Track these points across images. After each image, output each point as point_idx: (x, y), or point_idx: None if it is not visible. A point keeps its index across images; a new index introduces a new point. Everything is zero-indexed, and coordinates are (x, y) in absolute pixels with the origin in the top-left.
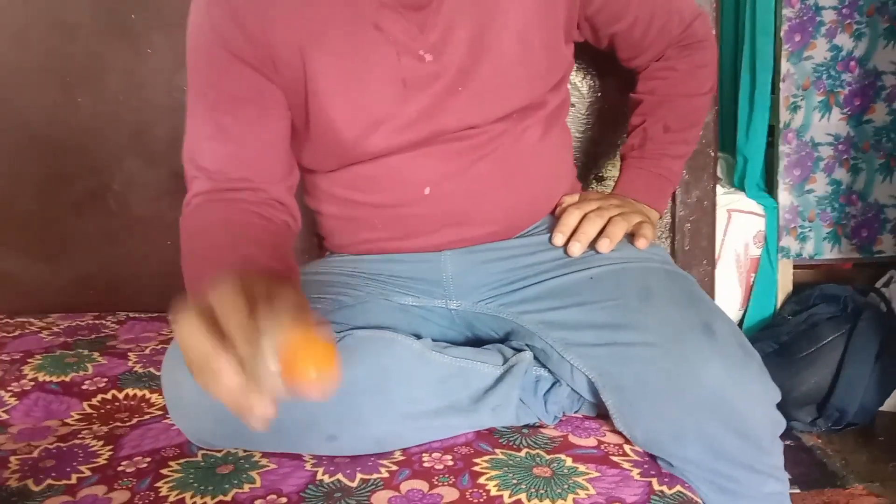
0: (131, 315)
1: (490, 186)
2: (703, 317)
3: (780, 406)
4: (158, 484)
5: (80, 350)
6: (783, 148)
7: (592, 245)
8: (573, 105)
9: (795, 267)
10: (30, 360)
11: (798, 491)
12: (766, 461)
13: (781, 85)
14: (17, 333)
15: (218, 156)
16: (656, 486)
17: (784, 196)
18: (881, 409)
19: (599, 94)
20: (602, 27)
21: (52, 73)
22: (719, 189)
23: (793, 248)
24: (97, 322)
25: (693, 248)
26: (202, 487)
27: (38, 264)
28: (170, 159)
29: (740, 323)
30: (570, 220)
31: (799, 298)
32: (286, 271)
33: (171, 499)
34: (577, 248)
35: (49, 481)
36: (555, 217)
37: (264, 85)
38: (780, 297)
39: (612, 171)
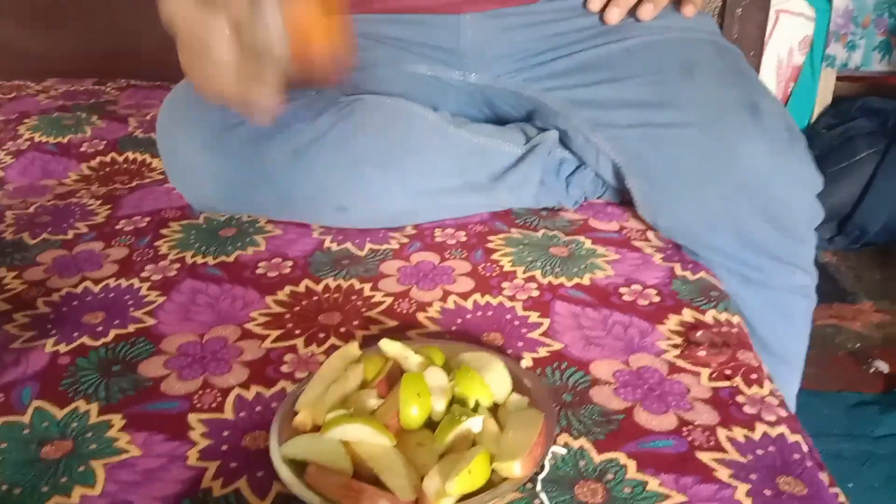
0: (131, 82)
1: None
2: (749, 95)
3: None
4: (158, 243)
5: (79, 113)
6: None
7: (633, 11)
8: None
9: (838, 79)
10: (26, 121)
11: None
12: (797, 252)
13: None
14: (12, 95)
15: None
16: (678, 271)
17: None
18: None
19: None
20: None
21: None
22: None
23: (839, 57)
24: (97, 88)
25: (742, 37)
26: (203, 248)
27: (36, 32)
28: None
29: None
30: None
31: (837, 111)
32: None
33: (171, 257)
34: (615, 15)
35: (45, 235)
36: None
37: None
38: (818, 109)
39: None
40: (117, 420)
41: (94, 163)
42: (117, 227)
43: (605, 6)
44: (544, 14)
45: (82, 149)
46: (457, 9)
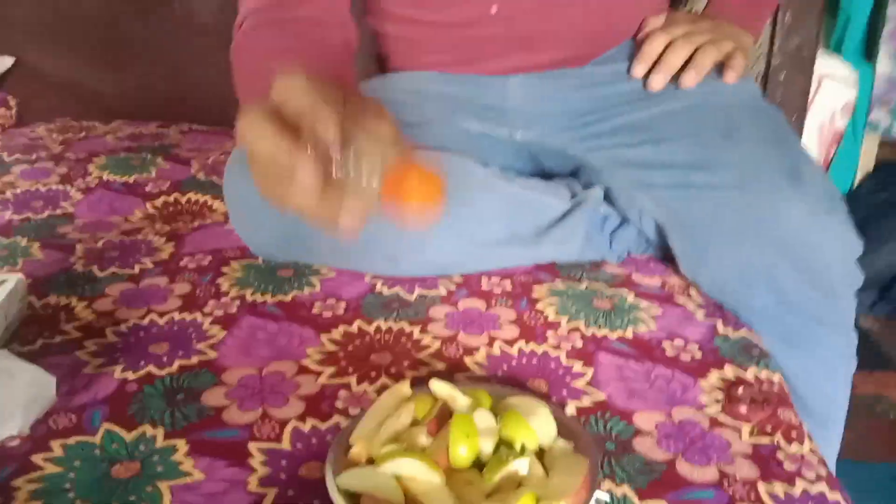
0: (194, 126)
1: (562, 3)
2: (790, 158)
3: None
4: (219, 280)
5: (144, 154)
6: (892, 9)
7: (677, 77)
8: None
9: (881, 145)
10: (94, 160)
11: None
12: (836, 314)
13: None
14: (82, 135)
15: None
16: (720, 328)
17: (884, 63)
18: None
19: None
20: None
21: None
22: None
23: (883, 123)
24: (160, 130)
25: (784, 102)
26: (262, 286)
27: (102, 71)
28: None
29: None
30: (653, 48)
31: (879, 177)
32: (349, 83)
33: (232, 294)
34: (659, 81)
35: (113, 269)
36: (636, 43)
37: None
38: (860, 175)
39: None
40: (182, 445)
41: (158, 202)
42: (181, 263)
43: (649, 72)
44: (588, 77)
45: (147, 188)
46: (506, 73)
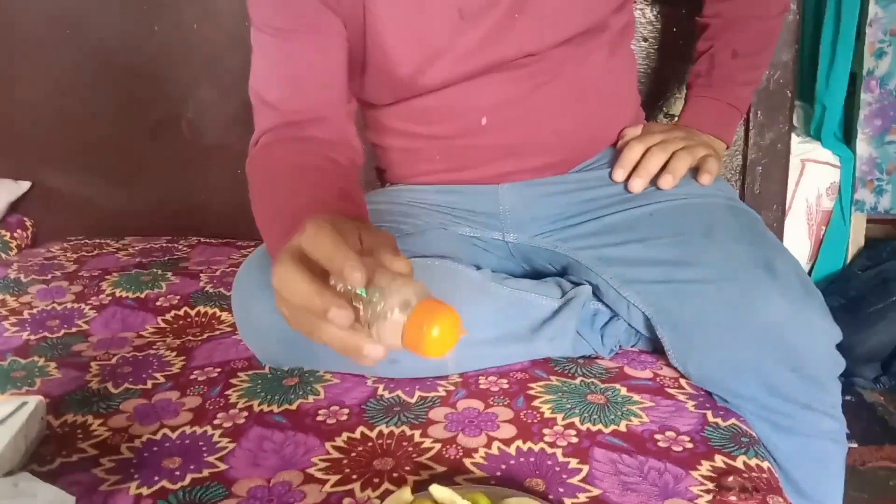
0: (202, 240)
1: (548, 115)
2: (766, 254)
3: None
4: (228, 392)
5: (155, 270)
6: (865, 96)
7: (654, 180)
8: (638, 31)
9: (869, 221)
10: (107, 277)
11: (856, 445)
12: (822, 400)
13: (867, 30)
14: (95, 253)
15: (282, 84)
16: (710, 418)
17: (862, 147)
18: None
19: (666, 18)
20: None
21: (130, 1)
22: (794, 138)
23: (868, 202)
24: (170, 245)
25: (763, 193)
26: (269, 396)
27: (114, 188)
28: (241, 89)
29: (808, 275)
30: (631, 155)
31: (870, 253)
32: (358, 212)
33: (240, 405)
34: (638, 185)
35: (126, 385)
36: (616, 150)
37: (325, 15)
38: (851, 252)
39: (679, 107)
40: None
41: (168, 316)
42: (191, 377)
43: (629, 177)
44: (573, 183)
45: (158, 303)
46: (496, 179)
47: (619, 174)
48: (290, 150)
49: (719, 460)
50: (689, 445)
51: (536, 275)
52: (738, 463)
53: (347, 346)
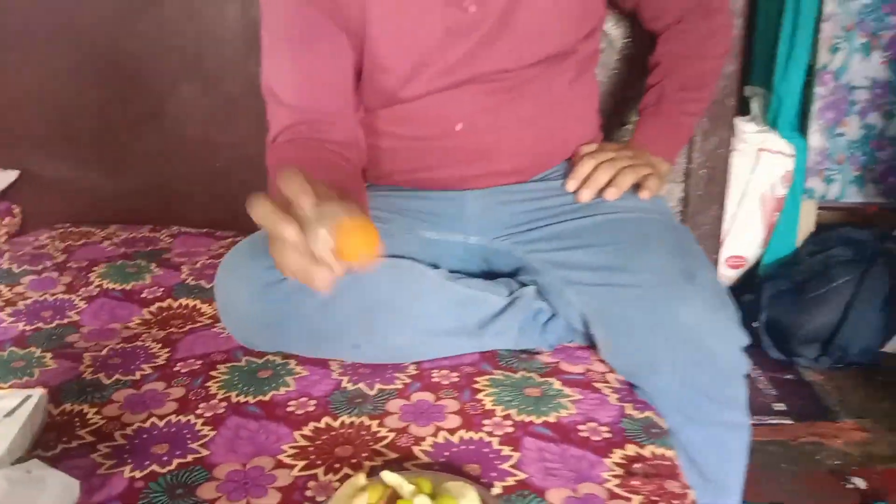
0: (183, 229)
1: (516, 126)
2: (689, 266)
3: (786, 341)
4: (209, 383)
5: (139, 261)
6: (819, 90)
7: (601, 193)
8: (603, 51)
9: (819, 208)
10: (95, 269)
11: (791, 422)
12: (728, 394)
13: (824, 25)
14: (81, 242)
15: (297, 89)
16: (628, 411)
17: (815, 138)
18: (884, 350)
19: (630, 41)
20: None
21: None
22: (752, 127)
23: (818, 190)
24: (152, 235)
25: (705, 194)
26: (245, 388)
27: (98, 177)
28: (221, 86)
29: (759, 259)
30: (583, 169)
31: (818, 240)
32: (357, 196)
33: (220, 396)
34: (586, 195)
35: (117, 376)
36: (571, 164)
37: (333, 28)
38: (802, 237)
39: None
40: None
41: (153, 308)
42: (175, 368)
43: (579, 188)
44: (531, 192)
45: (143, 295)
46: (462, 185)
47: (572, 185)
48: (307, 146)
49: (630, 449)
50: (607, 435)
51: (492, 274)
52: (647, 451)
53: (303, 269)
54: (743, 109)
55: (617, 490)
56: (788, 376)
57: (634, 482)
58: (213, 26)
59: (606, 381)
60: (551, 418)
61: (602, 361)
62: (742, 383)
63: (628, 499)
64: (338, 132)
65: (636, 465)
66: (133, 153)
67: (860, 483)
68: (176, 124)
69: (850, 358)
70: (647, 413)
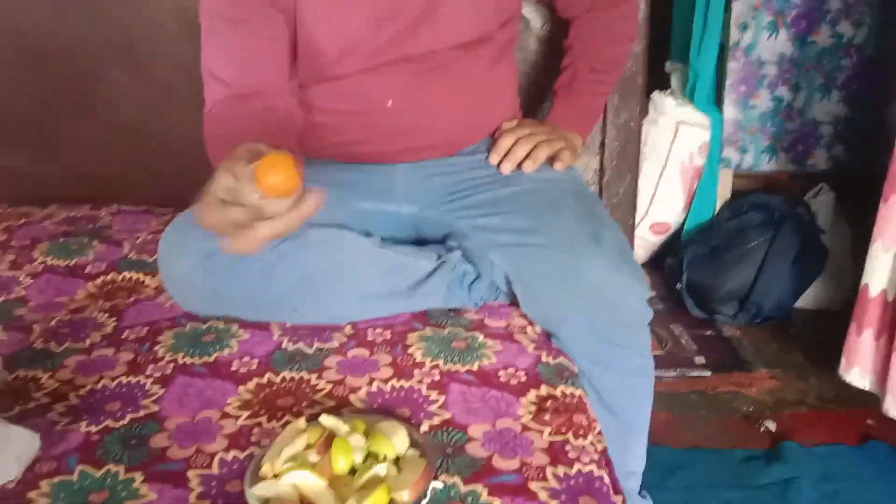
0: (122, 207)
1: (440, 103)
2: (596, 228)
3: (706, 300)
4: (156, 348)
5: (82, 238)
6: (731, 65)
7: (520, 165)
8: (523, 36)
9: (735, 176)
10: (38, 246)
11: (709, 374)
12: (632, 341)
13: (734, 4)
14: (22, 222)
15: (233, 64)
16: (544, 358)
17: (729, 110)
18: (797, 306)
19: (548, 26)
20: None
21: None
22: (671, 101)
23: (734, 159)
24: (93, 213)
25: (619, 164)
26: (191, 350)
27: (37, 161)
28: (154, 72)
29: (682, 225)
30: (504, 143)
31: (734, 205)
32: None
33: (167, 359)
34: (507, 167)
35: (67, 344)
36: (493, 139)
37: (268, 9)
38: (720, 204)
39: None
40: (138, 476)
41: (98, 282)
42: (123, 336)
43: (501, 161)
44: (457, 165)
45: (87, 270)
46: (393, 159)
47: (494, 158)
48: (240, 110)
49: (544, 390)
50: (524, 379)
51: (422, 241)
52: (557, 392)
53: (226, 222)
54: (664, 84)
55: (531, 424)
56: (709, 332)
57: (546, 417)
58: (145, 13)
59: (525, 333)
60: (474, 367)
61: (522, 316)
62: (646, 331)
63: (540, 431)
64: (270, 100)
65: (548, 403)
66: (70, 138)
67: (771, 426)
68: (110, 110)
69: (765, 313)
70: (560, 359)
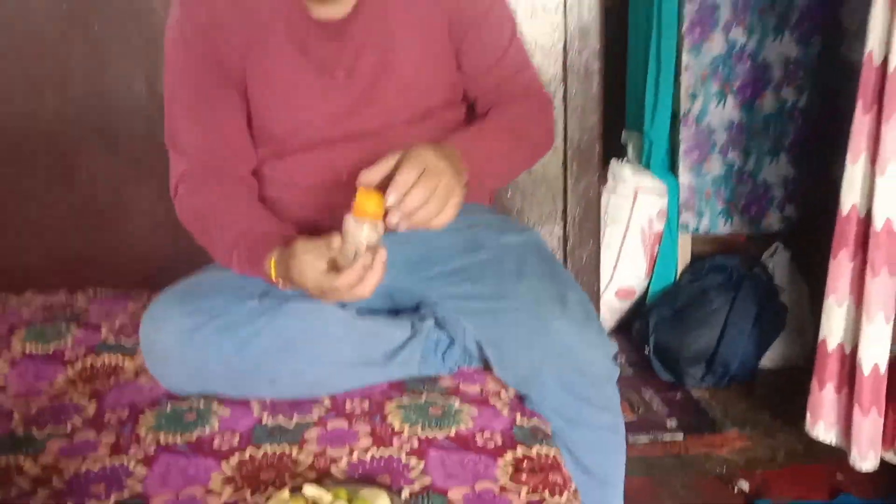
0: (99, 290)
1: None
2: (560, 289)
3: (674, 363)
4: (138, 429)
5: (60, 323)
6: (683, 132)
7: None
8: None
9: (694, 240)
10: (16, 332)
11: (682, 436)
12: (601, 397)
13: (683, 75)
14: None
15: (195, 137)
16: (518, 420)
17: (684, 176)
18: (762, 364)
19: None
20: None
21: (20, 77)
22: (629, 169)
23: (691, 224)
24: (69, 298)
25: (581, 231)
26: (173, 429)
27: (11, 244)
28: (130, 152)
29: (646, 291)
30: (404, 178)
31: (694, 268)
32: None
33: (149, 439)
34: (402, 226)
35: (48, 430)
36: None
37: (225, 87)
38: (681, 267)
39: None
40: None
41: (77, 366)
42: (104, 418)
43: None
44: (422, 234)
45: (66, 357)
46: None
47: (393, 197)
48: (211, 191)
49: (520, 451)
50: (500, 441)
51: (395, 307)
52: (533, 452)
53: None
54: (621, 153)
55: (508, 485)
56: (678, 395)
57: (523, 477)
58: (118, 99)
59: (500, 397)
60: (452, 432)
61: (496, 381)
62: (614, 388)
63: (518, 491)
64: (232, 172)
65: (524, 464)
66: (46, 220)
67: (744, 486)
68: (85, 193)
69: (731, 373)
70: (534, 420)
